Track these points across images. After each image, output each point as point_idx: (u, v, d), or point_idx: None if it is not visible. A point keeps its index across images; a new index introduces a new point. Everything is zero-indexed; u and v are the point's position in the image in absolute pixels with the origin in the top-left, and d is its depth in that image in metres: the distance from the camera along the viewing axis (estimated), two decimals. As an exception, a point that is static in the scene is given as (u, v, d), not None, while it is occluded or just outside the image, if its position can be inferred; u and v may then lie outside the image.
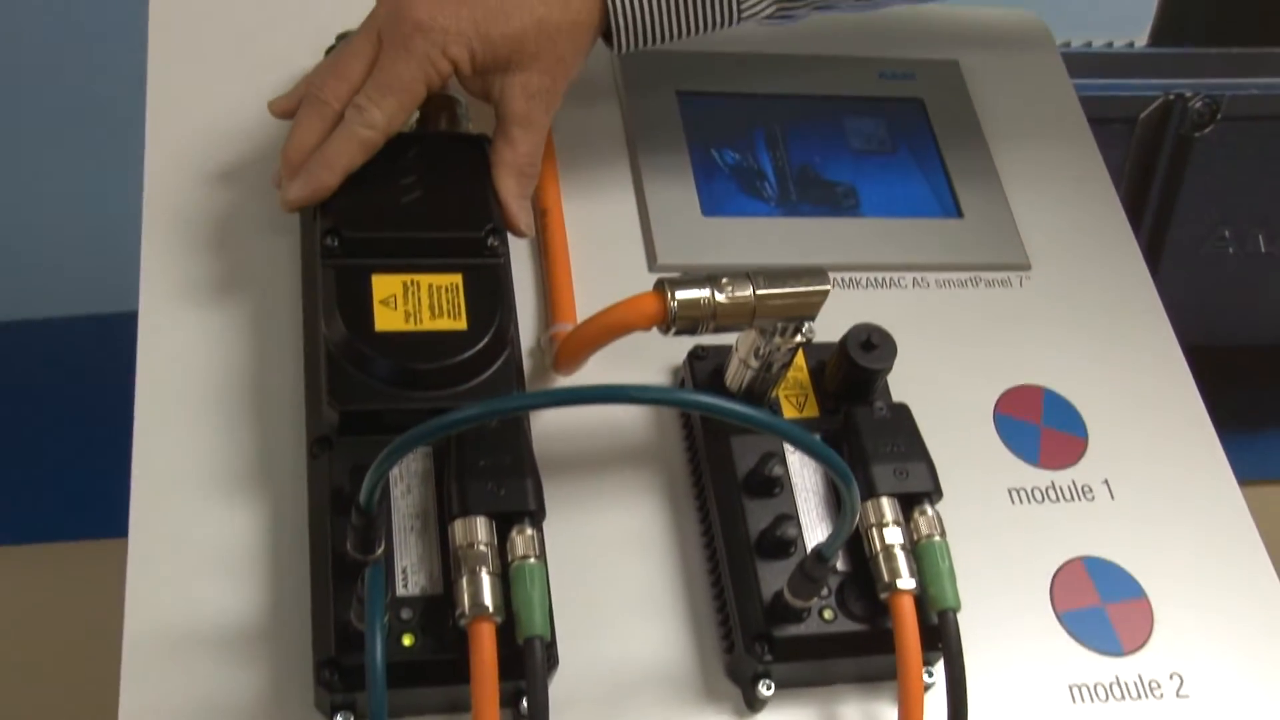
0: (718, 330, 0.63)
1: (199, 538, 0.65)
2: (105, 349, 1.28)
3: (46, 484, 1.41)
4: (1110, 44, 1.38)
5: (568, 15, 0.70)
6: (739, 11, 0.73)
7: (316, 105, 0.68)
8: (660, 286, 0.63)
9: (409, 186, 0.68)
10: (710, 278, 0.62)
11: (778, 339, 0.65)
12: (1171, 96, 1.41)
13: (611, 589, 0.68)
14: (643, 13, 0.71)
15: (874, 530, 0.64)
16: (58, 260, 1.33)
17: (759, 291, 0.62)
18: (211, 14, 0.83)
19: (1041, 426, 0.78)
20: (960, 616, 0.67)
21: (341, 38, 0.77)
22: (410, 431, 0.52)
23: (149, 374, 0.69)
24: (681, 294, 0.62)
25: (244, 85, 0.79)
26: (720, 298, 0.62)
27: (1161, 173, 1.45)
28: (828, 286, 0.63)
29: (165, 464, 0.66)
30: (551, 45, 0.70)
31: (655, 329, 0.63)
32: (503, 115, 0.71)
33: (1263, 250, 1.53)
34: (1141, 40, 1.39)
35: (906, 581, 0.63)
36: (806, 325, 0.65)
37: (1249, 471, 1.52)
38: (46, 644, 1.36)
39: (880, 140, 0.88)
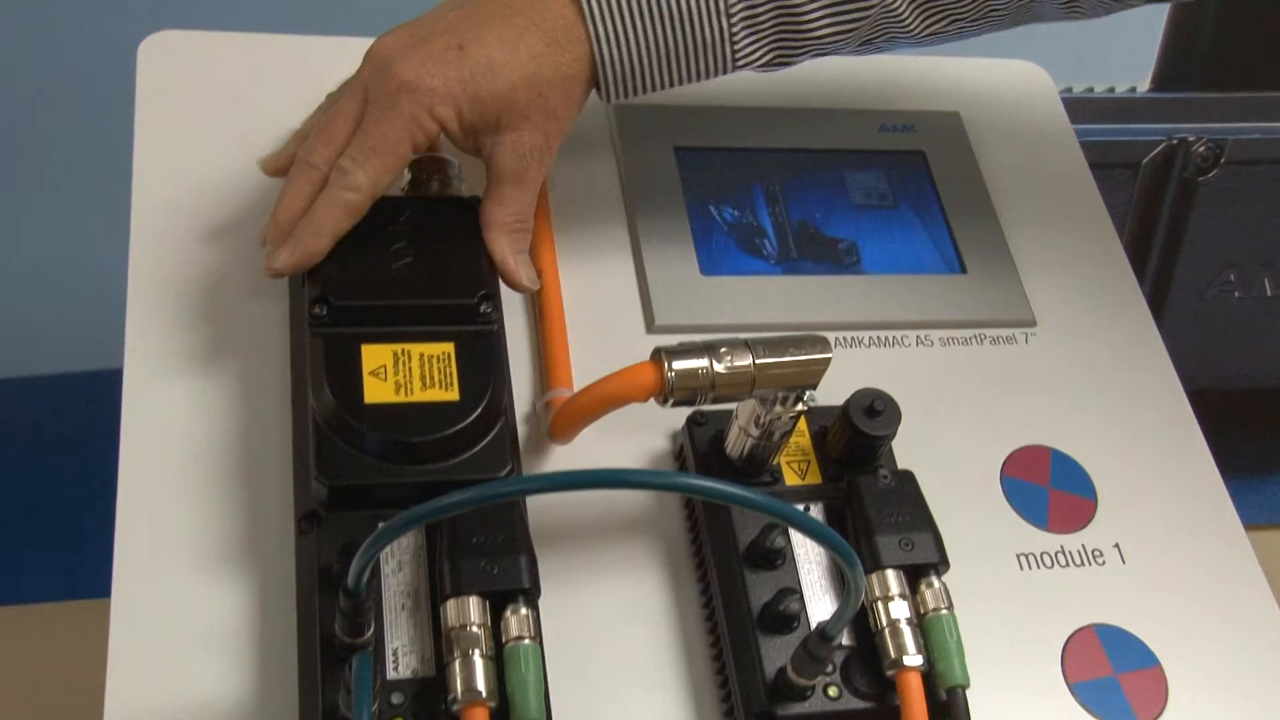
0: (717, 401, 0.62)
1: (184, 614, 0.63)
2: (92, 406, 1.26)
3: (29, 543, 1.39)
4: (1112, 89, 1.37)
5: (559, 70, 0.68)
6: (733, 60, 0.71)
7: (305, 170, 0.67)
8: (657, 357, 0.61)
9: (400, 252, 0.67)
10: (708, 347, 0.61)
11: (778, 408, 0.63)
12: (1175, 141, 1.40)
13: (611, 662, 0.66)
14: (633, 64, 0.69)
15: (879, 604, 0.63)
16: (45, 317, 1.32)
17: (759, 361, 0.61)
18: (199, 74, 0.81)
19: (1050, 489, 0.76)
20: (970, 691, 0.66)
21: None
22: (399, 517, 0.50)
23: (133, 441, 0.67)
24: (679, 365, 0.60)
25: (231, 146, 0.78)
26: (719, 368, 0.60)
27: (1166, 217, 1.44)
28: (829, 355, 0.62)
29: (149, 536, 0.64)
30: (543, 102, 0.68)
31: (653, 400, 0.62)
32: (493, 174, 0.70)
33: (1269, 294, 1.51)
34: (1144, 86, 1.38)
35: (913, 658, 0.61)
36: (808, 394, 0.63)
37: (1257, 515, 1.51)
38: (28, 705, 1.33)
39: (881, 194, 0.86)
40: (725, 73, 0.71)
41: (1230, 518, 0.78)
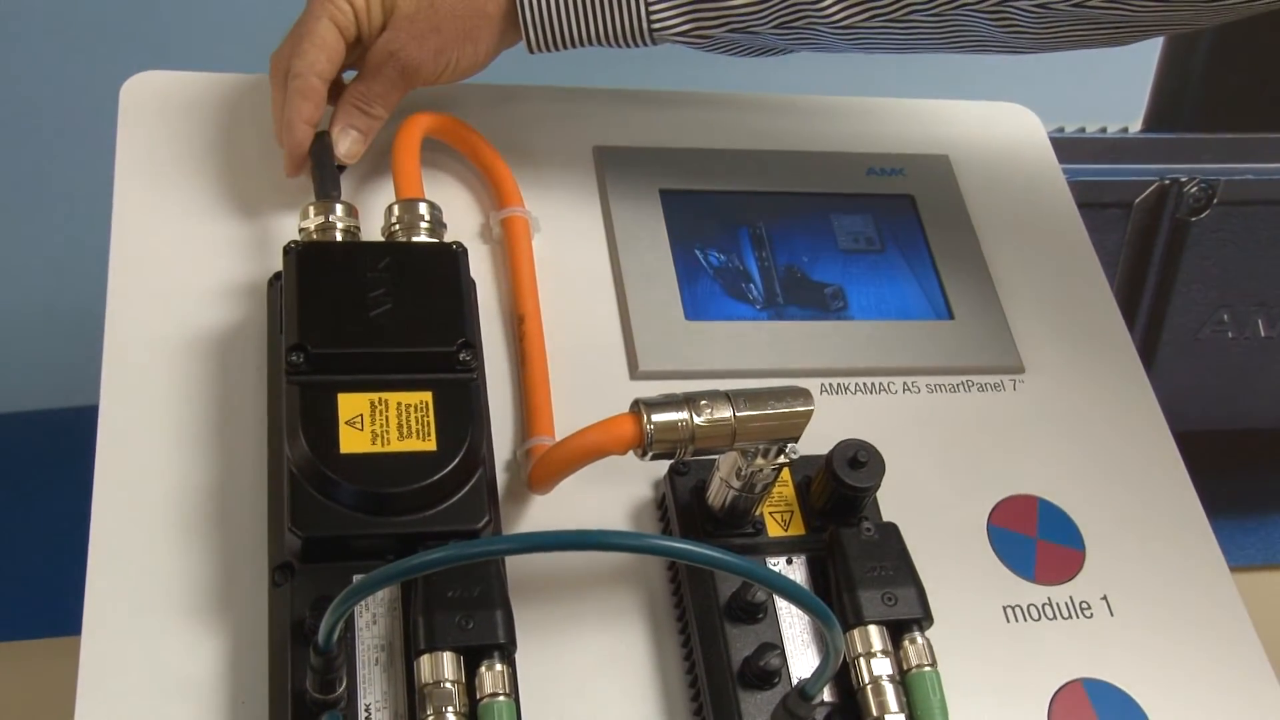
0: (697, 454, 0.61)
1: (154, 662, 0.62)
2: (67, 443, 1.26)
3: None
4: (1104, 130, 1.37)
5: None
6: (649, 23, 0.74)
7: (278, 82, 0.76)
8: (636, 409, 0.60)
9: (378, 300, 0.66)
10: (688, 399, 0.60)
11: (760, 460, 0.62)
12: (1167, 181, 1.40)
13: (590, 715, 0.65)
14: (552, 11, 0.74)
15: (861, 661, 0.62)
16: (20, 355, 1.31)
17: (739, 414, 0.60)
18: (181, 114, 0.81)
19: (1037, 539, 0.75)
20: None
21: (318, 136, 0.76)
22: (370, 575, 0.49)
23: (107, 486, 0.66)
24: (658, 418, 0.60)
25: (212, 187, 0.78)
26: (699, 420, 0.60)
27: (1158, 257, 1.43)
28: (811, 407, 0.61)
29: (121, 582, 0.63)
30: (430, 13, 0.74)
31: (631, 453, 0.61)
32: (364, 60, 0.76)
33: (1263, 334, 1.51)
34: (1135, 126, 1.38)
35: (895, 717, 0.60)
36: (789, 446, 0.62)
37: (1253, 557, 1.50)
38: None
39: (869, 239, 0.86)
40: (646, 40, 0.75)
41: (1219, 568, 0.77)
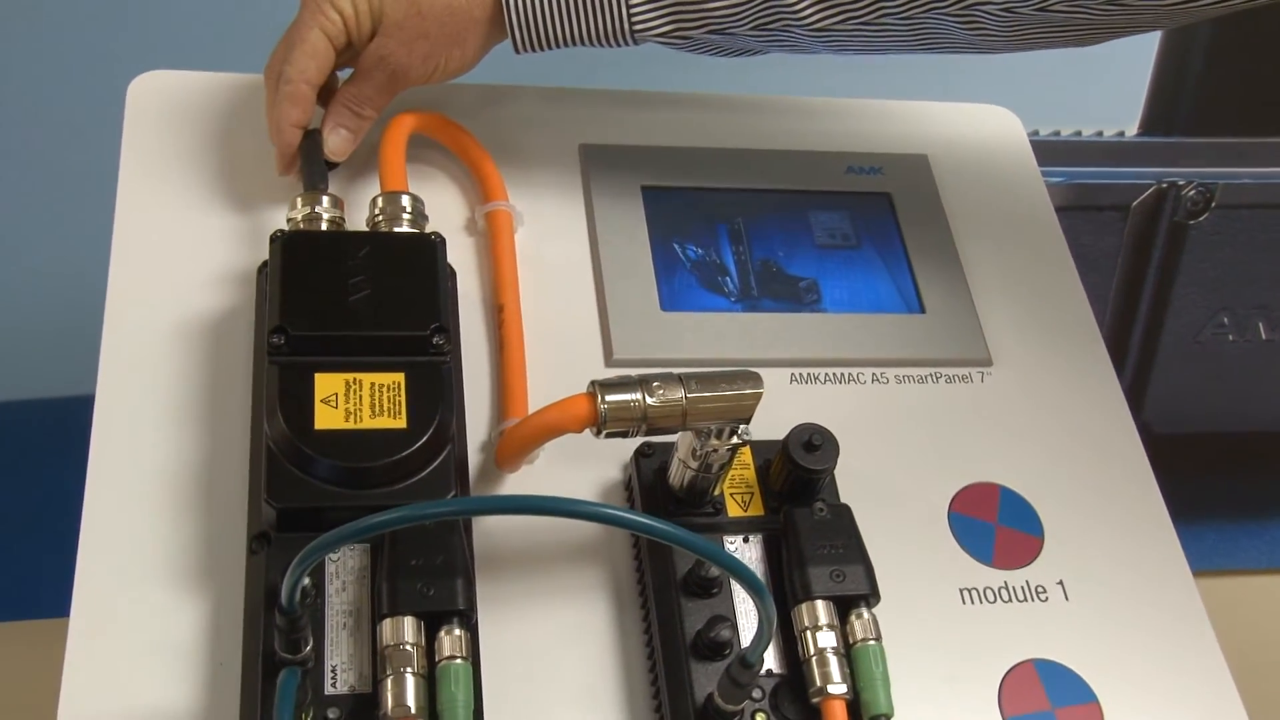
0: (650, 434, 0.64)
1: (141, 627, 0.65)
2: (56, 433, 1.30)
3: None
4: (1100, 133, 1.38)
5: (451, 2, 0.77)
6: (630, 23, 0.77)
7: (270, 86, 0.79)
8: (591, 389, 0.63)
9: (357, 285, 0.69)
10: (642, 380, 0.63)
11: (714, 441, 0.65)
12: (1164, 185, 1.41)
13: (551, 684, 0.68)
14: (536, 12, 0.77)
15: (807, 634, 0.64)
16: (10, 344, 1.35)
17: (689, 395, 0.63)
18: (187, 114, 0.85)
19: (997, 525, 0.78)
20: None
21: (309, 133, 0.79)
22: (323, 536, 0.52)
23: (102, 462, 0.70)
24: (612, 398, 0.63)
25: (215, 185, 0.81)
26: (650, 401, 0.63)
27: (1157, 260, 1.45)
28: (760, 390, 0.64)
29: (113, 553, 0.67)
30: (419, 20, 0.77)
31: (588, 432, 0.64)
32: (357, 63, 0.79)
33: (1264, 337, 1.52)
34: (1132, 130, 1.40)
35: (837, 686, 0.63)
36: (742, 428, 0.65)
37: (1255, 560, 1.50)
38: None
39: (845, 235, 0.88)
40: (629, 40, 0.78)
41: (1177, 559, 0.79)
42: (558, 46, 0.79)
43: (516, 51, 0.80)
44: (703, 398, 0.63)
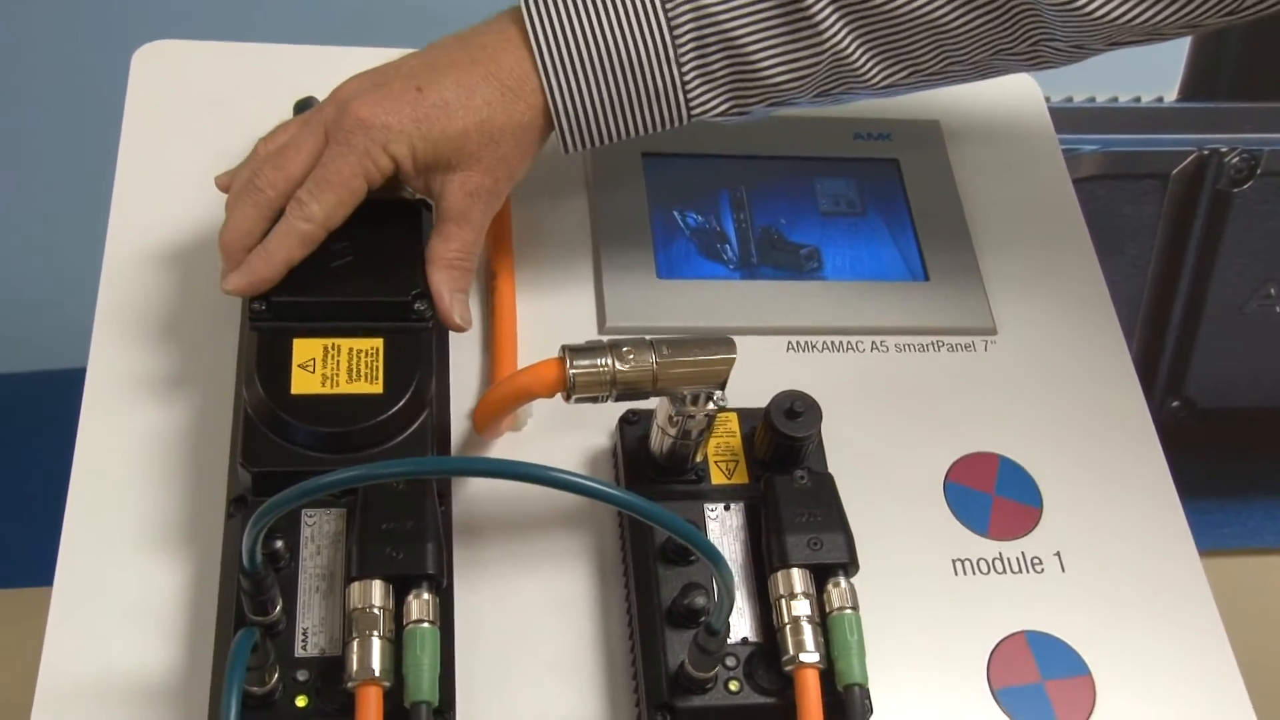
0: (621, 399, 0.64)
1: (122, 590, 0.66)
2: (44, 405, 1.32)
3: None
4: (1138, 99, 1.35)
5: (512, 118, 0.70)
6: (688, 108, 0.71)
7: (252, 193, 0.69)
8: (561, 354, 0.63)
9: (340, 251, 0.69)
10: (612, 345, 0.63)
11: (689, 407, 0.64)
12: (1205, 152, 1.37)
13: (533, 650, 0.68)
14: (588, 114, 0.70)
15: (782, 602, 0.64)
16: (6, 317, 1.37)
17: (659, 360, 0.62)
18: (191, 83, 0.85)
19: (994, 496, 0.76)
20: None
21: (301, 106, 0.79)
22: (279, 494, 0.52)
23: (92, 424, 0.71)
24: (580, 362, 0.62)
25: (217, 155, 0.80)
26: (620, 366, 0.62)
27: (1199, 229, 1.41)
28: (733, 355, 0.63)
29: (97, 517, 0.68)
30: (494, 146, 0.70)
31: (559, 396, 0.64)
32: (440, 212, 0.71)
33: (1313, 308, 1.48)
34: (1170, 96, 1.36)
35: (810, 655, 0.62)
36: (718, 394, 0.64)
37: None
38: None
39: (850, 202, 0.87)
40: (683, 122, 0.72)
41: (1182, 535, 0.77)
42: (611, 141, 0.73)
43: (565, 151, 0.73)
44: (673, 363, 0.62)
